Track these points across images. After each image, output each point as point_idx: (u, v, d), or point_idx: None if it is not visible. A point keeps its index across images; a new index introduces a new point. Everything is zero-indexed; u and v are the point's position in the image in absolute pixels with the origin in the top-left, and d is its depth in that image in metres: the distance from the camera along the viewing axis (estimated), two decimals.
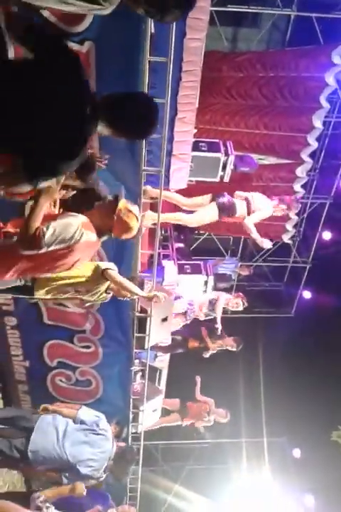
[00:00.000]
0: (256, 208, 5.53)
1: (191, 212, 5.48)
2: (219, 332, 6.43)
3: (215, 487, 8.40)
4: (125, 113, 2.05)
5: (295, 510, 8.60)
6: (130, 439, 5.65)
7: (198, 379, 6.96)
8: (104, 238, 2.94)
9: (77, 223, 2.65)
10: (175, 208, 5.61)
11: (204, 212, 5.40)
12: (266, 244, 5.83)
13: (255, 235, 5.57)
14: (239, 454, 9.39)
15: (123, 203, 2.88)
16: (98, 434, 4.25)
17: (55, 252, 2.62)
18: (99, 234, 2.85)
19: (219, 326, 6.38)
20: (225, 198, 5.40)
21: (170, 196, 5.18)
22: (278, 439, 9.79)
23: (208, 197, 5.43)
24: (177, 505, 8.00)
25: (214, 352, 6.74)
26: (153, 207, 4.76)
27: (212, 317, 6.59)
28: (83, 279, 3.38)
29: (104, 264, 3.53)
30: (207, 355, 6.66)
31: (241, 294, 6.74)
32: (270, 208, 5.62)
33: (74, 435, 4.19)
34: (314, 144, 6.42)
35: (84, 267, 3.26)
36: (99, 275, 3.43)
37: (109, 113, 2.04)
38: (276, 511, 8.21)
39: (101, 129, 2.08)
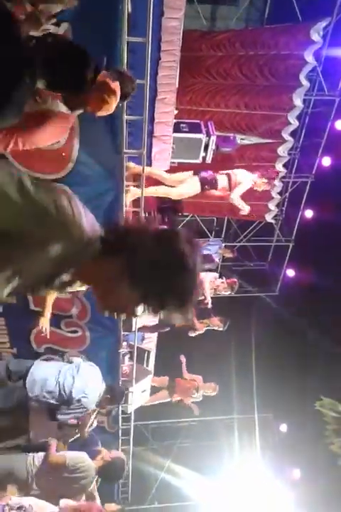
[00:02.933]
0: (238, 182, 5.61)
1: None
2: (209, 306, 6.48)
3: (206, 463, 8.56)
4: (59, 76, 2.10)
5: (283, 485, 8.83)
6: (120, 419, 5.74)
7: (183, 358, 7.08)
8: (78, 112, 2.76)
9: None
10: (157, 185, 5.61)
11: (186, 186, 5.43)
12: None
13: (243, 208, 5.71)
14: (228, 431, 9.58)
15: (102, 76, 2.59)
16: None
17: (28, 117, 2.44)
18: (73, 107, 2.66)
19: (208, 302, 6.42)
20: (207, 173, 5.46)
21: (152, 172, 5.15)
22: (266, 414, 9.98)
23: (190, 172, 5.47)
24: (169, 481, 8.15)
25: (202, 332, 6.84)
26: (136, 180, 4.74)
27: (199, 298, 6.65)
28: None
29: None
30: (193, 334, 6.74)
31: (234, 280, 6.79)
32: (250, 180, 5.71)
33: (69, 370, 4.33)
34: (295, 123, 6.48)
35: None
36: None
37: (45, 77, 2.08)
38: (265, 486, 8.41)
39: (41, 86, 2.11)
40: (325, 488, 8.75)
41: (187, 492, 7.95)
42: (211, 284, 6.48)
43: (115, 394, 4.59)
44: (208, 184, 5.44)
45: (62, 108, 2.61)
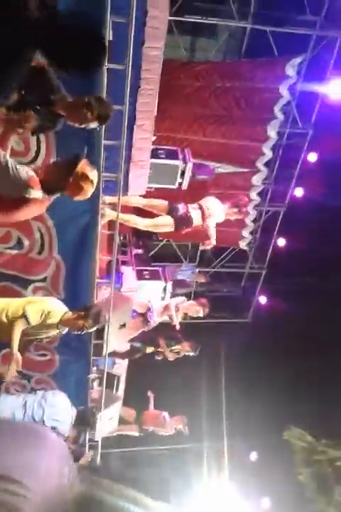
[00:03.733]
0: (210, 214, 5.61)
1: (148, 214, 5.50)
2: (177, 328, 6.41)
3: (175, 492, 8.40)
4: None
5: None
6: (87, 446, 5.59)
7: (151, 395, 6.99)
8: (55, 196, 2.88)
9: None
10: (131, 212, 5.60)
11: (160, 221, 5.43)
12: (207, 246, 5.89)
13: (212, 239, 5.62)
14: (198, 459, 9.46)
15: (82, 164, 2.81)
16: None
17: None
18: (51, 191, 2.80)
19: (176, 325, 6.35)
20: (181, 211, 5.41)
21: (127, 200, 5.15)
22: (236, 442, 9.92)
23: (165, 204, 5.44)
24: (135, 510, 7.94)
25: (172, 359, 6.77)
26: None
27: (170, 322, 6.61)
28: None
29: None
30: (159, 357, 6.68)
31: (203, 301, 6.71)
32: (222, 213, 5.71)
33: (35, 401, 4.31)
34: (269, 154, 6.63)
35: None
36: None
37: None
38: None
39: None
40: None
41: None
42: (180, 307, 6.42)
43: (86, 416, 4.51)
44: (183, 224, 5.42)
45: (36, 194, 2.72)
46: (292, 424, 9.13)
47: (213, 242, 5.60)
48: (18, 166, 2.66)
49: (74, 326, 3.71)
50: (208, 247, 5.81)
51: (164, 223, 5.42)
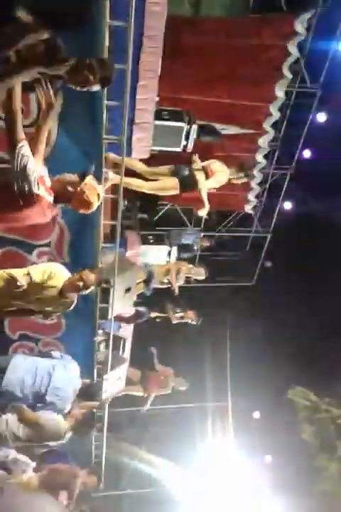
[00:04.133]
0: (214, 177, 5.48)
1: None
2: (176, 293, 6.47)
3: (180, 451, 8.65)
4: None
5: (256, 471, 9.00)
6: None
7: (154, 350, 7.10)
8: (60, 205, 2.97)
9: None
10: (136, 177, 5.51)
11: (165, 184, 5.30)
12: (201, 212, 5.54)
13: (205, 204, 5.35)
14: (203, 418, 9.69)
15: (89, 180, 2.89)
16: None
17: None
18: (56, 200, 2.85)
19: (175, 289, 6.39)
20: (186, 172, 5.28)
21: (131, 163, 5.06)
22: (239, 401, 10.13)
23: (169, 168, 5.34)
24: (142, 470, 8.22)
25: (175, 322, 6.89)
26: (115, 168, 4.66)
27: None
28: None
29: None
30: (158, 319, 6.82)
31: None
32: (226, 175, 5.57)
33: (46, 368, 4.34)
34: (276, 114, 6.48)
35: None
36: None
37: None
38: (238, 472, 8.56)
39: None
40: (294, 474, 8.98)
41: (159, 478, 8.03)
42: (181, 269, 6.42)
43: (90, 391, 4.58)
44: (188, 186, 5.29)
45: (43, 192, 2.71)
46: (295, 384, 9.30)
47: (205, 208, 5.36)
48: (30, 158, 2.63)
49: (75, 287, 3.71)
50: (202, 214, 5.50)
51: (169, 186, 5.31)
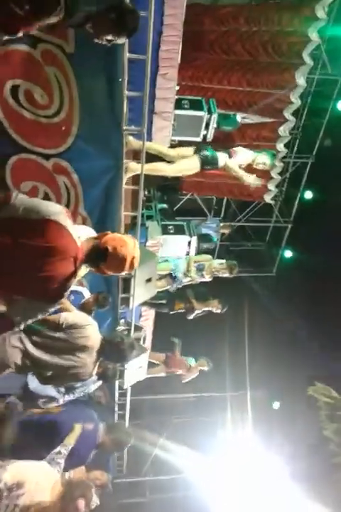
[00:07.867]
0: (236, 157, 5.49)
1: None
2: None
3: (200, 439, 8.70)
4: None
5: (274, 461, 8.99)
6: (117, 393, 5.82)
7: (176, 340, 7.15)
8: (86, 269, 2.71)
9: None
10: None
11: (185, 163, 5.25)
12: (254, 180, 5.62)
13: (240, 173, 5.48)
14: (223, 407, 9.73)
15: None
16: None
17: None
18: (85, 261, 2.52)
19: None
20: (208, 152, 5.28)
21: (151, 147, 4.98)
22: (260, 392, 10.13)
23: (191, 148, 5.31)
24: (163, 457, 8.30)
25: (199, 313, 6.92)
26: (136, 156, 4.66)
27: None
28: None
29: None
30: (191, 316, 6.84)
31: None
32: (250, 156, 5.56)
33: None
34: (297, 102, 6.37)
35: None
36: None
37: None
38: (257, 461, 8.58)
39: None
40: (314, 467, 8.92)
41: (180, 466, 8.10)
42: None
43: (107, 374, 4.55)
44: (209, 164, 5.30)
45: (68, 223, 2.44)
46: (315, 378, 9.21)
47: (240, 174, 5.47)
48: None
49: None
50: (256, 182, 5.60)
51: (191, 166, 5.28)
